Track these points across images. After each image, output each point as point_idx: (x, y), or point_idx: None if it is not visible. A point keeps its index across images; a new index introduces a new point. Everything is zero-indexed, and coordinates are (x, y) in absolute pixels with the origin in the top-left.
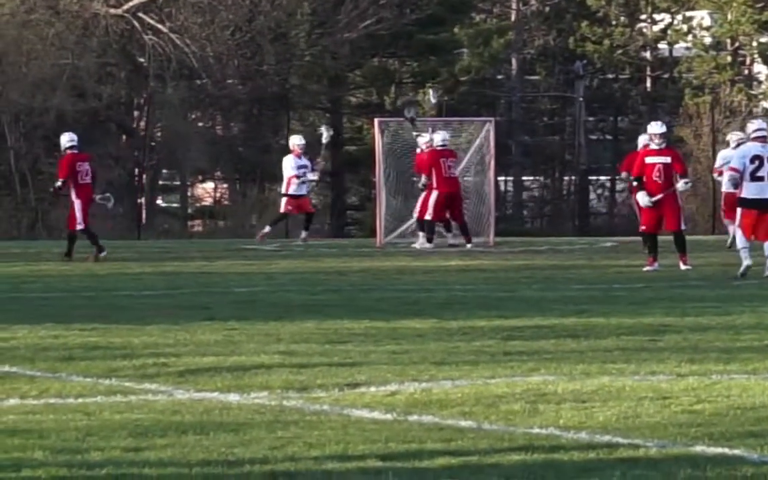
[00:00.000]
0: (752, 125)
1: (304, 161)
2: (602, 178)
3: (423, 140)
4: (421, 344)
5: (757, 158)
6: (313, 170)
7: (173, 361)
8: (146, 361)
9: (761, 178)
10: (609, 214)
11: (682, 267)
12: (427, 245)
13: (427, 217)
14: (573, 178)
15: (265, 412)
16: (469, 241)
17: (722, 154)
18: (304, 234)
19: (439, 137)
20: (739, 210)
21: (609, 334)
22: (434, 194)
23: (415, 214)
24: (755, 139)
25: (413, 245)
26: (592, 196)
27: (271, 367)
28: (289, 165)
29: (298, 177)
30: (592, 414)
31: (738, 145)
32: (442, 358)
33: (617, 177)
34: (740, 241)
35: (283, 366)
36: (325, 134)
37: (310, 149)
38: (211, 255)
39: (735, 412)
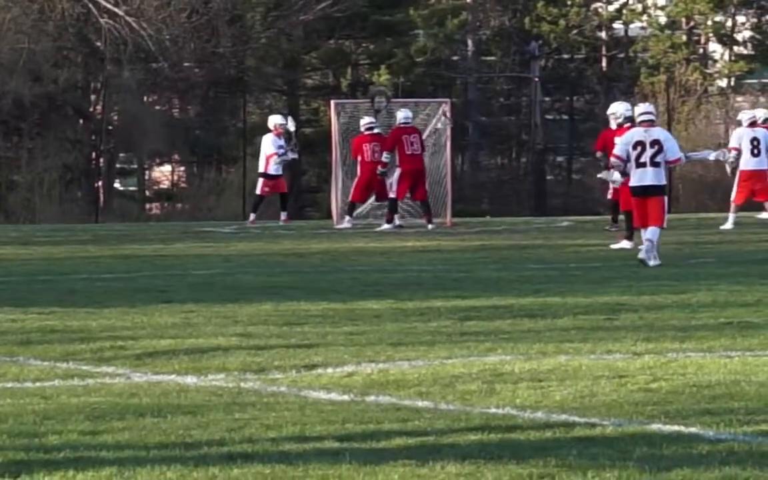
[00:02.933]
0: (639, 108)
1: (282, 141)
2: (559, 158)
3: (363, 122)
4: (378, 325)
5: (639, 144)
6: (292, 150)
7: (131, 344)
8: (103, 345)
9: (644, 164)
10: (565, 194)
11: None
12: (386, 226)
13: (392, 195)
14: (529, 158)
15: (222, 394)
16: (430, 221)
17: (737, 134)
18: (283, 216)
19: (402, 114)
20: (632, 201)
21: (565, 313)
22: (397, 172)
23: (392, 194)
24: (641, 123)
25: (377, 229)
26: (549, 175)
27: (229, 350)
28: (269, 143)
29: (278, 155)
30: (549, 393)
31: (751, 123)
32: (398, 339)
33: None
34: (644, 237)
35: (240, 348)
36: (290, 123)
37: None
38: (169, 238)
39: (691, 390)
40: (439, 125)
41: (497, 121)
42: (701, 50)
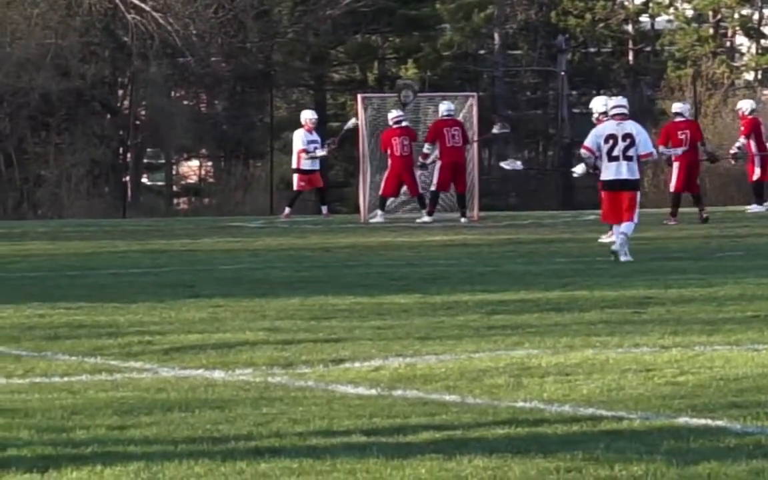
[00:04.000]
0: (611, 101)
1: (315, 136)
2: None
3: (391, 116)
4: (406, 319)
5: (611, 137)
6: (323, 146)
7: (158, 339)
8: (131, 339)
9: (617, 158)
10: (593, 188)
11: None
12: (427, 218)
13: (433, 188)
14: (556, 152)
15: (249, 388)
16: (464, 215)
17: None
18: (324, 209)
19: (444, 107)
20: (604, 195)
21: (592, 306)
22: (438, 164)
23: (433, 187)
24: (614, 116)
25: (417, 220)
26: None
27: (256, 344)
28: (299, 139)
29: (306, 152)
30: (576, 387)
31: None
32: (426, 333)
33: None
34: (617, 232)
35: (267, 343)
36: (351, 122)
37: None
38: (196, 233)
39: (718, 384)
40: (495, 130)
41: (524, 115)
42: (728, 43)
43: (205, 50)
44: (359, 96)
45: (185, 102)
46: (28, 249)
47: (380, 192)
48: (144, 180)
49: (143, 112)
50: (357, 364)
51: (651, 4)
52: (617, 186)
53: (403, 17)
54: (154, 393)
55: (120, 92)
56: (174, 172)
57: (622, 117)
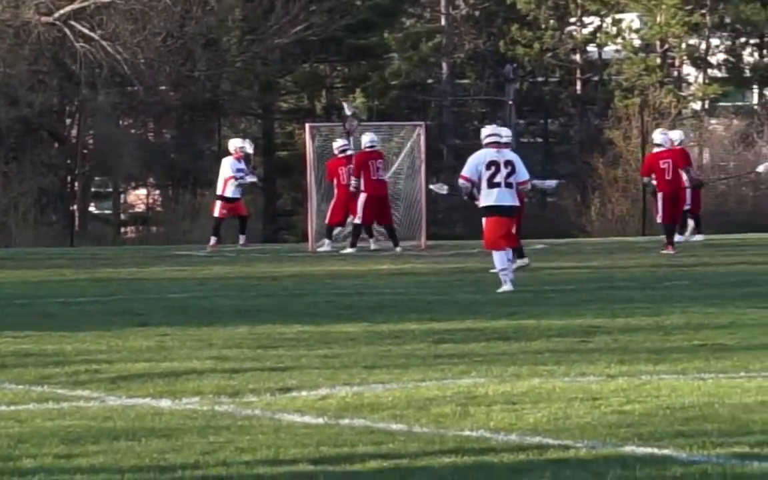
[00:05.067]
0: (486, 130)
1: (242, 165)
2: (534, 180)
3: (336, 145)
4: (353, 348)
5: (493, 164)
6: (252, 173)
7: (105, 368)
8: (78, 368)
9: (498, 184)
10: (541, 217)
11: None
12: (350, 250)
13: (357, 220)
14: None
15: (196, 417)
16: (396, 245)
17: None
18: (242, 239)
19: (367, 139)
20: (484, 221)
21: (539, 336)
22: (362, 197)
23: (358, 220)
24: (489, 144)
25: (342, 251)
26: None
27: (203, 373)
28: (228, 166)
29: (235, 179)
30: (523, 416)
31: None
32: (373, 362)
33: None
34: (499, 262)
35: (215, 371)
36: (248, 146)
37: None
38: (144, 261)
39: (664, 412)
40: (348, 112)
41: (472, 144)
42: (675, 73)
43: (154, 79)
44: (307, 125)
45: (133, 130)
46: None
47: (327, 220)
48: (92, 208)
49: (91, 141)
50: (304, 393)
51: (599, 34)
52: (504, 212)
53: (352, 46)
54: (101, 421)
55: (68, 121)
56: (122, 201)
57: (498, 145)
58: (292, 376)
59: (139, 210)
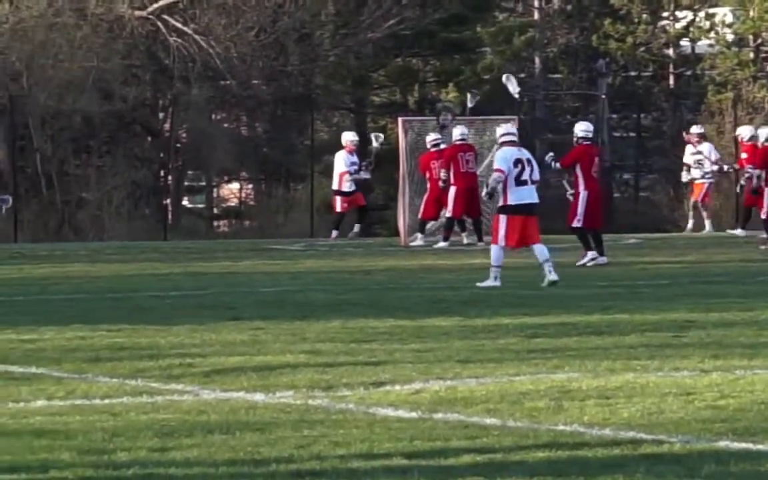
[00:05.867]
0: (500, 129)
1: (355, 158)
2: (626, 175)
3: (429, 139)
4: (446, 342)
5: (519, 162)
6: (365, 169)
7: (199, 362)
8: (172, 362)
9: (525, 182)
10: (633, 212)
11: None
12: (443, 244)
13: (448, 214)
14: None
15: (290, 411)
16: (480, 240)
17: None
18: (357, 227)
19: (457, 131)
20: (504, 217)
21: (633, 330)
22: (452, 190)
23: (449, 214)
24: (508, 143)
25: (434, 246)
26: (616, 193)
27: (297, 367)
28: (341, 160)
29: (350, 173)
30: (617, 410)
31: None
32: (466, 356)
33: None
34: (497, 258)
35: (308, 365)
36: (375, 141)
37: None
38: (237, 255)
39: (759, 408)
40: (470, 104)
41: (564, 139)
42: None
43: (246, 73)
44: (400, 119)
45: (226, 124)
46: (69, 271)
47: (419, 215)
48: (185, 202)
49: (184, 135)
50: (397, 387)
51: (692, 29)
52: (532, 210)
53: (444, 40)
54: (195, 415)
55: (161, 115)
56: (215, 195)
57: (515, 145)
58: (385, 371)
59: (232, 204)
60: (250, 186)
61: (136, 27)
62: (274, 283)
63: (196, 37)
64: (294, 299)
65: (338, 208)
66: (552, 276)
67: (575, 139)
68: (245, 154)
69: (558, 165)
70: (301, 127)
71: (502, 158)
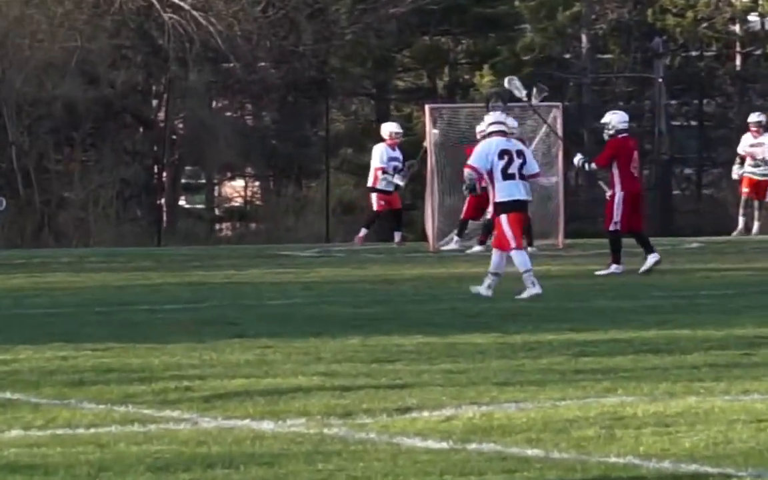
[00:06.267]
0: (488, 118)
1: (398, 153)
2: (687, 169)
3: (479, 128)
4: (481, 362)
5: (505, 153)
6: (402, 171)
7: (198, 385)
8: (167, 385)
9: (512, 176)
10: (695, 212)
11: None
12: (478, 248)
13: (489, 216)
14: (653, 170)
15: (303, 441)
16: (530, 244)
17: None
18: (397, 236)
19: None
20: (504, 218)
21: (695, 348)
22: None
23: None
24: (493, 133)
25: (469, 250)
26: (676, 190)
27: (310, 391)
28: (378, 155)
29: (384, 171)
30: (677, 440)
31: None
32: (505, 378)
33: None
34: (523, 262)
35: (323, 389)
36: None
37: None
38: (242, 263)
39: None
40: (535, 100)
41: None
42: None
43: (252, 54)
44: (427, 106)
45: (229, 113)
46: (50, 282)
47: (462, 215)
48: (182, 203)
49: (181, 125)
50: (425, 414)
51: (761, 1)
52: (523, 206)
53: (478, 16)
54: (193, 446)
55: (155, 102)
56: (216, 194)
57: (505, 135)
58: (411, 395)
59: (236, 204)
60: (257, 184)
61: (125, 2)
62: (283, 295)
63: (194, 13)
64: (307, 313)
65: (375, 206)
66: (537, 289)
67: (609, 131)
68: (251, 147)
69: (593, 166)
70: (314, 117)
71: (480, 153)
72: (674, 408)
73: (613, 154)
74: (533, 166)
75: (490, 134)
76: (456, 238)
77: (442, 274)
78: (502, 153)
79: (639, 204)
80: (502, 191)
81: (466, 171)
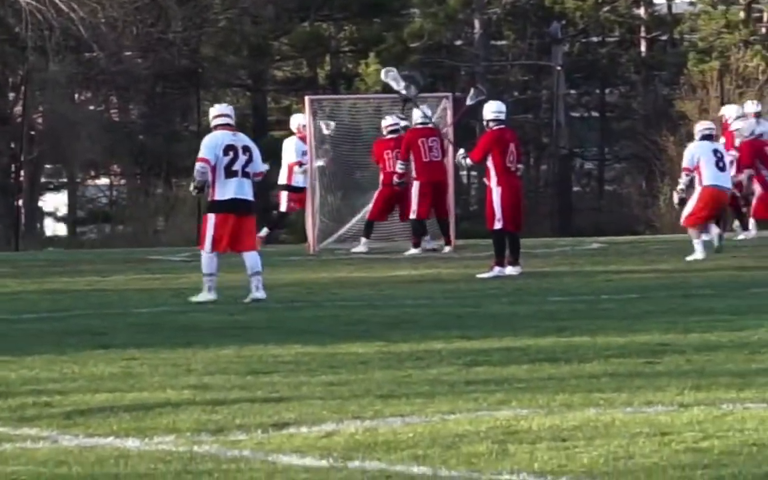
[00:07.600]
0: (213, 110)
1: (307, 147)
2: (588, 164)
3: (385, 123)
4: (364, 373)
5: (230, 149)
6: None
7: (58, 400)
8: (25, 401)
9: (235, 173)
10: (596, 209)
11: None
12: (415, 250)
13: (412, 216)
14: (551, 165)
15: (171, 460)
16: (448, 243)
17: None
18: (264, 232)
19: (418, 113)
20: (212, 218)
21: (595, 356)
22: (416, 185)
23: (413, 215)
24: (218, 126)
25: (353, 250)
26: (576, 186)
27: (180, 405)
28: (291, 149)
29: (301, 164)
30: (575, 455)
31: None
32: (389, 390)
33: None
34: (208, 266)
35: (194, 403)
36: (325, 128)
37: None
38: (107, 268)
39: (750, 450)
40: (470, 101)
41: (511, 120)
42: (763, 30)
43: (117, 43)
44: (307, 98)
45: (92, 107)
46: None
47: (367, 215)
48: (41, 204)
49: (40, 120)
50: (304, 429)
51: None
52: (240, 207)
53: (362, 1)
54: (52, 467)
55: (11, 96)
56: (79, 194)
57: (231, 127)
58: (289, 409)
59: (101, 205)
60: (123, 183)
61: None
62: (151, 303)
63: None
64: (176, 322)
65: (283, 207)
66: (259, 293)
67: (484, 123)
68: (116, 143)
69: (469, 161)
70: (185, 110)
71: (207, 145)
72: (572, 421)
73: (487, 148)
74: (259, 165)
75: (215, 127)
76: (364, 240)
77: (322, 278)
78: (228, 148)
79: (518, 202)
80: (221, 189)
81: (198, 164)
